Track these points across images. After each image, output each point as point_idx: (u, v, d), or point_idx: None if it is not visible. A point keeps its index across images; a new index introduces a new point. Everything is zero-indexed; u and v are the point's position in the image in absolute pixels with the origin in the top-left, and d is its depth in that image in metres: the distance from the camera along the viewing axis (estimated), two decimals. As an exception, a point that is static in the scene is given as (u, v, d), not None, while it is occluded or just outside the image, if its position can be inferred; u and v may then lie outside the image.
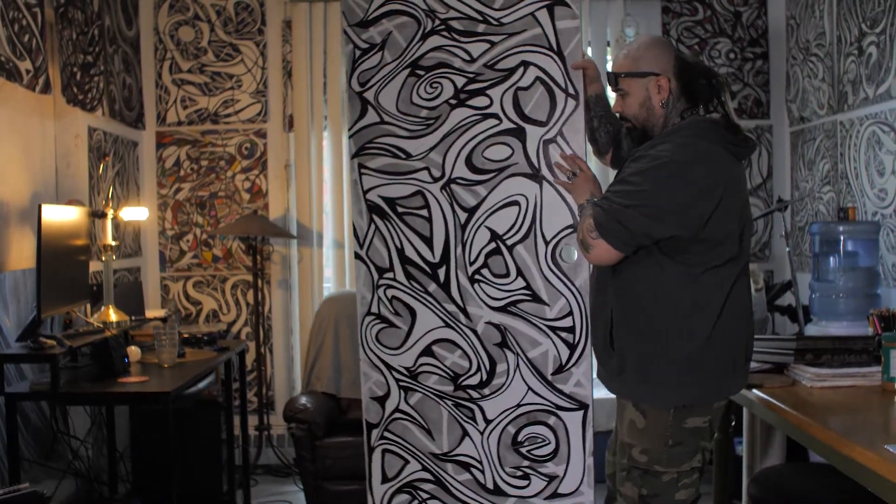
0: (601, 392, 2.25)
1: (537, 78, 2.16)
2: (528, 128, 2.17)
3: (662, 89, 1.95)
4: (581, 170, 2.09)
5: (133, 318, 3.20)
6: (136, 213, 3.58)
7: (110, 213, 3.20)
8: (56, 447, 3.04)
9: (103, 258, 3.13)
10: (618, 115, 2.07)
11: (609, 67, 2.12)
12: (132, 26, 4.06)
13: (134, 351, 3.01)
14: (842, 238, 3.03)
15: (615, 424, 2.06)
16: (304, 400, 3.43)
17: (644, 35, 2.70)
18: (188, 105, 4.20)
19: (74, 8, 3.36)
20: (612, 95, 2.12)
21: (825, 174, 3.59)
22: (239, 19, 4.19)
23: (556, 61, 2.15)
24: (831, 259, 3.03)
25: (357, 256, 2.25)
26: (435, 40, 2.20)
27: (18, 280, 2.89)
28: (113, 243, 3.15)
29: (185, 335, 3.40)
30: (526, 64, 2.17)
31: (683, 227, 1.83)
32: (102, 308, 3.08)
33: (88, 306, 3.11)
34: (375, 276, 2.24)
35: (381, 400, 2.25)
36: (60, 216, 2.82)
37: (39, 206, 2.63)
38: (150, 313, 3.56)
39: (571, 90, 2.15)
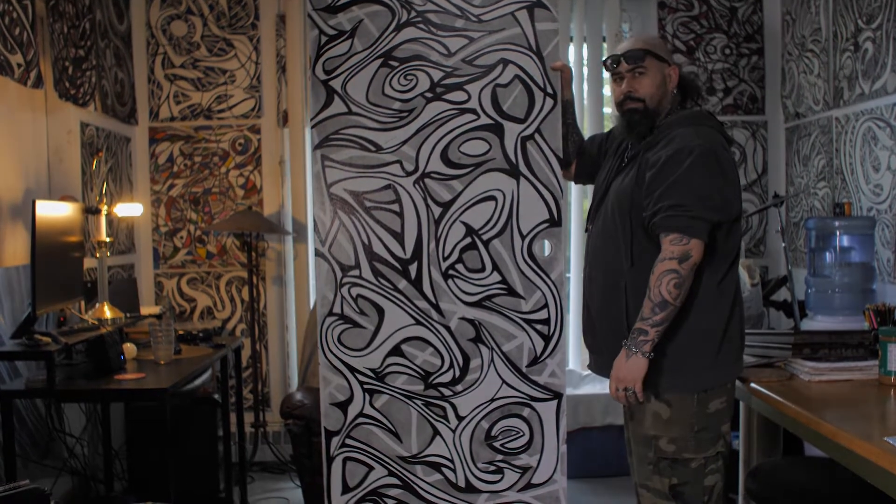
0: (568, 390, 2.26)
1: (516, 76, 2.16)
2: (507, 124, 2.16)
3: (673, 78, 2.06)
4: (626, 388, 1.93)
5: (128, 314, 3.19)
6: (130, 210, 3.55)
7: (104, 209, 3.18)
8: (52, 445, 3.02)
9: (97, 255, 3.11)
10: (625, 95, 2.02)
11: (607, 61, 2.12)
12: (123, 20, 4.03)
13: (129, 348, 2.99)
14: (837, 233, 3.05)
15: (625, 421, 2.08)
16: (300, 396, 3.42)
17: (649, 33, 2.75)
18: (181, 100, 4.18)
19: (65, 1, 3.33)
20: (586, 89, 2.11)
21: (820, 170, 3.61)
22: (232, 13, 4.16)
23: (535, 61, 2.16)
24: (827, 254, 3.04)
25: (318, 254, 2.17)
26: (410, 32, 2.17)
27: (12, 276, 2.86)
28: (107, 240, 3.13)
29: (181, 332, 3.38)
30: (505, 62, 2.16)
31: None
32: (97, 305, 3.06)
33: (83, 303, 3.09)
34: (339, 273, 2.17)
35: (343, 405, 2.18)
36: (55, 212, 2.80)
37: (34, 202, 2.61)
38: (144, 310, 3.54)
39: (550, 90, 2.16)
